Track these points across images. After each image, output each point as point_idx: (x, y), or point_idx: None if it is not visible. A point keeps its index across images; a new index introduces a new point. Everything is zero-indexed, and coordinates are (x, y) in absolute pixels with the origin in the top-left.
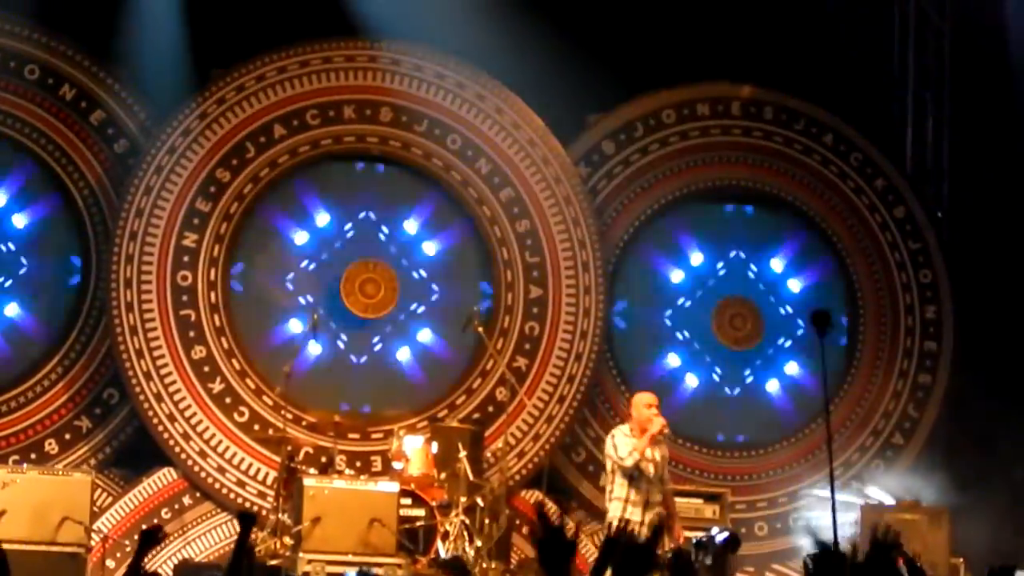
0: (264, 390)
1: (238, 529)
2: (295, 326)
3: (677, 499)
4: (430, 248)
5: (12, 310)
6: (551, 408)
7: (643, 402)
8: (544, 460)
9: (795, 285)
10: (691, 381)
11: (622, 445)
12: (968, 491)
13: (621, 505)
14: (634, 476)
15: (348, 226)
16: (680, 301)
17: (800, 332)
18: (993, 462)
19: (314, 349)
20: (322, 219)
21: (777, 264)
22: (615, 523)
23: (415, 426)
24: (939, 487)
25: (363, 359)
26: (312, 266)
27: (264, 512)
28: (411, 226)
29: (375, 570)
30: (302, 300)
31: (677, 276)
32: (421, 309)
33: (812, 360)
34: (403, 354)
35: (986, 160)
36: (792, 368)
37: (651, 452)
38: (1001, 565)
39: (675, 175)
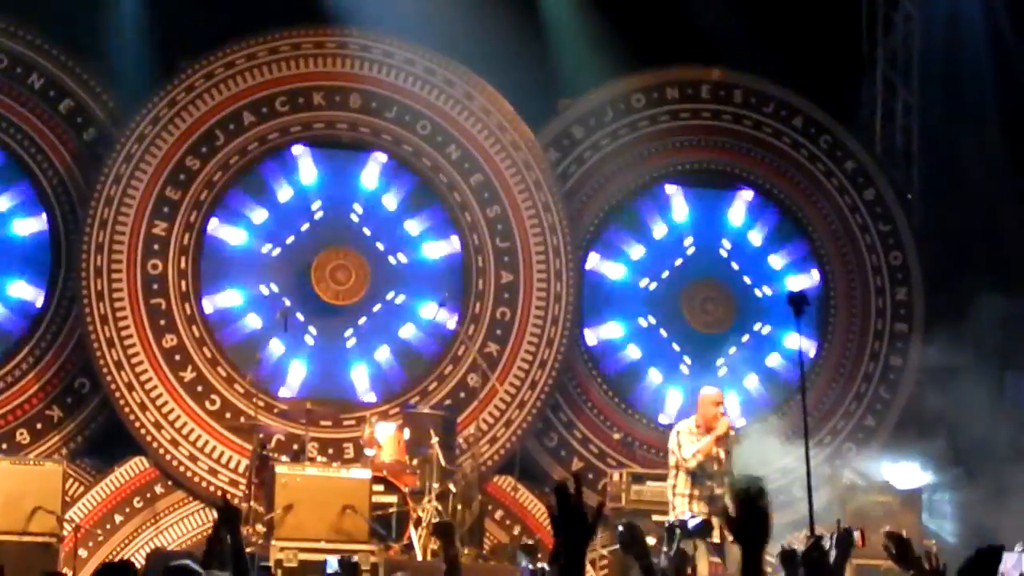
0: (235, 378)
1: (219, 522)
2: (265, 314)
3: (651, 484)
4: (402, 234)
5: None
6: (523, 394)
7: (710, 399)
8: (516, 446)
9: (766, 267)
10: (658, 366)
11: (686, 444)
12: (941, 472)
13: (685, 501)
14: (696, 473)
15: (319, 213)
16: (650, 285)
17: (772, 315)
18: (965, 442)
19: (285, 337)
20: (290, 205)
21: (748, 247)
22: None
23: (387, 413)
24: (912, 468)
25: (334, 346)
26: (281, 253)
27: (236, 500)
28: (382, 212)
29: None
30: (273, 287)
31: (648, 259)
32: (392, 295)
33: (783, 343)
34: (374, 341)
35: (955, 142)
36: (765, 351)
37: (716, 450)
38: (989, 545)
39: (645, 159)
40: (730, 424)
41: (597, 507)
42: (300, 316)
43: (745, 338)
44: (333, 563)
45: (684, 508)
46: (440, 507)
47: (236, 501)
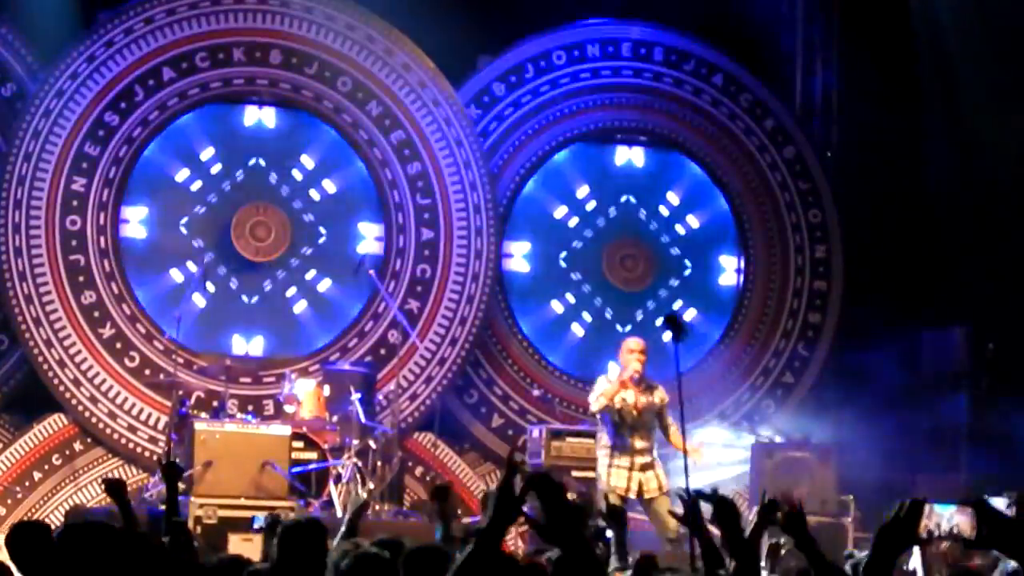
0: (155, 335)
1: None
2: (185, 270)
3: (571, 440)
4: (321, 190)
5: None
6: (443, 351)
7: (627, 347)
8: (436, 403)
9: (685, 226)
10: (580, 323)
11: (596, 389)
12: (857, 428)
13: (608, 452)
14: (616, 422)
15: (238, 170)
16: (572, 242)
17: (688, 273)
18: (880, 399)
19: (204, 294)
20: (211, 162)
21: (668, 205)
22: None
23: (307, 369)
24: (828, 425)
25: (254, 303)
26: (202, 210)
27: (155, 457)
28: (301, 169)
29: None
30: (194, 244)
31: (569, 218)
32: (311, 252)
33: (702, 301)
34: (294, 297)
35: (875, 99)
36: (680, 307)
37: (634, 397)
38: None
39: (566, 117)
40: (636, 370)
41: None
42: (216, 277)
43: (664, 294)
44: (260, 519)
45: (605, 462)
46: (360, 463)
47: (156, 458)
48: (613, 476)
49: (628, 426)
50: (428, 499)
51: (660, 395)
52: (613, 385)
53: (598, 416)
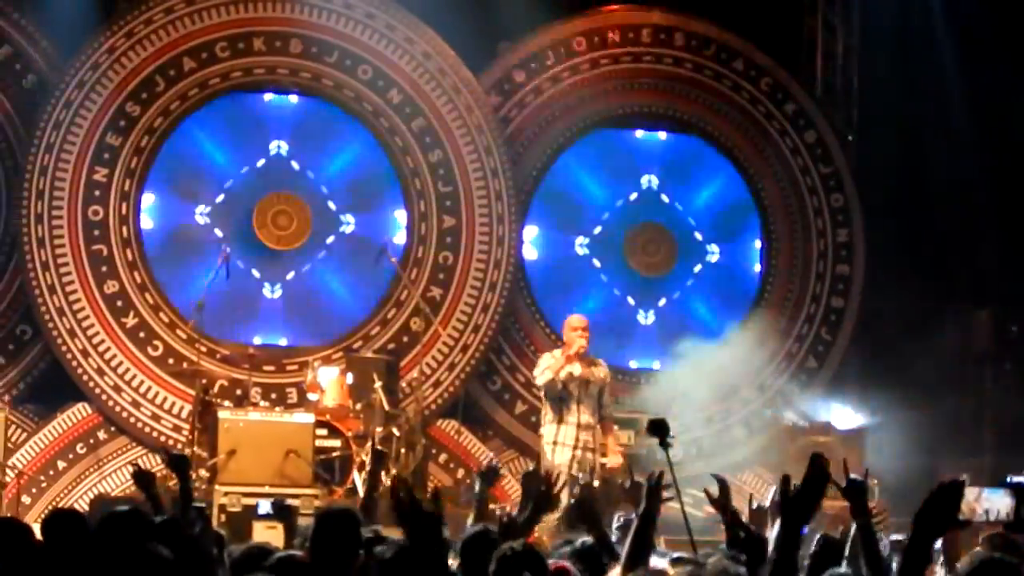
0: (177, 323)
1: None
2: (207, 259)
3: None
4: (342, 179)
5: None
6: (466, 337)
7: (570, 324)
8: (459, 389)
9: (706, 211)
10: (604, 308)
11: (541, 364)
12: (880, 412)
13: (553, 428)
14: (562, 397)
15: (260, 158)
16: (594, 229)
17: (709, 258)
18: (904, 383)
19: (226, 282)
20: (233, 151)
21: (689, 190)
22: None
23: (330, 357)
24: (852, 409)
25: (277, 291)
26: (224, 198)
27: (179, 446)
28: (323, 157)
29: (290, 501)
30: (215, 232)
31: (590, 204)
32: (333, 240)
33: (724, 286)
34: (316, 285)
35: (895, 83)
36: (706, 292)
37: (580, 370)
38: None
39: (586, 103)
40: (581, 346)
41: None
42: (238, 266)
43: (689, 282)
44: (265, 505)
45: (551, 436)
46: (384, 450)
47: (180, 447)
48: (557, 453)
49: (575, 400)
50: (475, 479)
51: (603, 371)
52: (559, 360)
53: (543, 392)
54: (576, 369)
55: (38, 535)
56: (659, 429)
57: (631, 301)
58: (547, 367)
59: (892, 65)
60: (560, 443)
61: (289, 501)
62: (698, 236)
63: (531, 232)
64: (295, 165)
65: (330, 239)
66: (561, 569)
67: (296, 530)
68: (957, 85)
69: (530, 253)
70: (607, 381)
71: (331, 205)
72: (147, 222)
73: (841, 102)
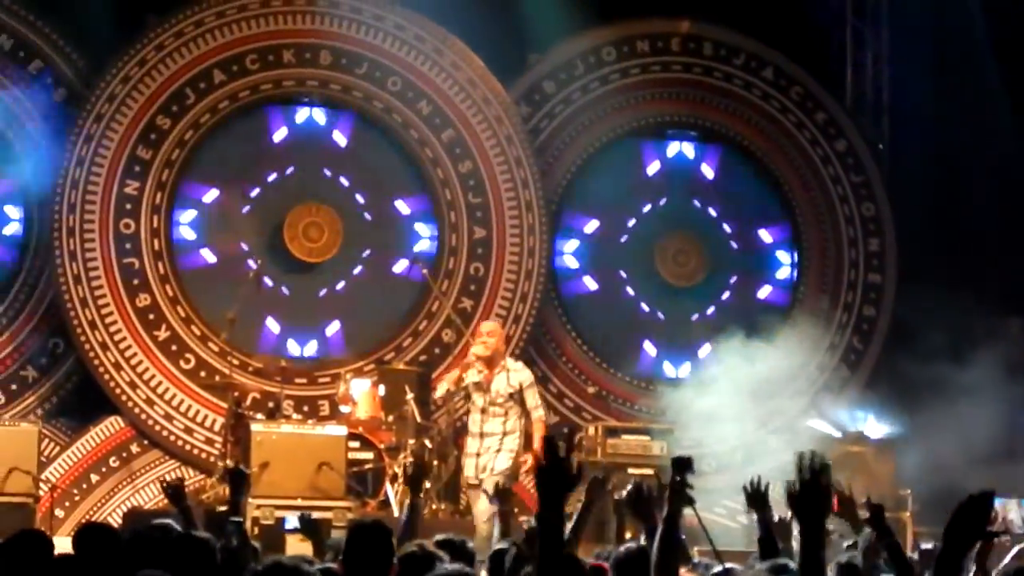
0: (209, 336)
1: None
2: (238, 271)
3: (626, 437)
4: (373, 190)
5: None
6: None
7: (477, 332)
8: None
9: (737, 221)
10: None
11: (449, 377)
12: (913, 421)
13: (476, 440)
14: (468, 409)
15: (290, 170)
16: (623, 238)
17: (741, 267)
18: (936, 391)
19: (258, 295)
20: (264, 164)
21: (719, 200)
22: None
23: (362, 369)
24: (884, 419)
25: (308, 303)
26: (255, 210)
27: (212, 459)
28: (353, 168)
29: (322, 514)
30: (245, 245)
31: (620, 213)
32: (364, 252)
33: (755, 296)
34: (347, 297)
35: (925, 92)
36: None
37: (482, 379)
38: (981, 490)
39: (616, 113)
40: (476, 353)
41: (578, 464)
42: (269, 279)
43: (725, 295)
44: (292, 520)
45: (475, 447)
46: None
47: (212, 459)
48: (466, 465)
49: (479, 409)
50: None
51: (519, 378)
52: (454, 371)
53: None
54: (475, 375)
55: (64, 548)
56: (683, 467)
57: (660, 312)
58: (445, 378)
59: (923, 72)
60: (467, 453)
61: (321, 514)
62: (728, 246)
63: (573, 244)
64: (326, 176)
65: (361, 251)
66: (598, 568)
67: (324, 544)
68: (990, 92)
69: (572, 263)
70: (524, 387)
71: (361, 216)
72: (192, 233)
73: (871, 111)
